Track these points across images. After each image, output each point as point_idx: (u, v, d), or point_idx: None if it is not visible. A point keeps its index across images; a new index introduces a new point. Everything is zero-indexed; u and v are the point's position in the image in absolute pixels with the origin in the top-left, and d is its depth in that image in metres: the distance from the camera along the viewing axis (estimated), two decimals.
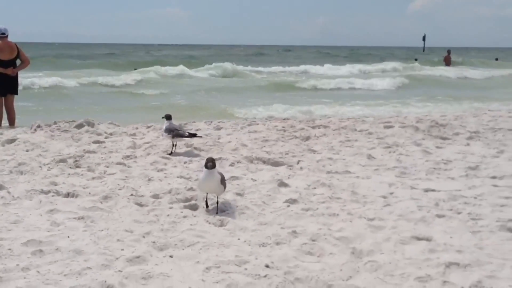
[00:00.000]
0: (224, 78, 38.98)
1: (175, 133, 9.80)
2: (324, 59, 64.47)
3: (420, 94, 25.92)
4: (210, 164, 6.43)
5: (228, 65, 43.70)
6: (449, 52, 49.35)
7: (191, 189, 7.54)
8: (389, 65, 49.27)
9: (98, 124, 12.83)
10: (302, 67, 47.30)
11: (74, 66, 42.07)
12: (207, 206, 6.88)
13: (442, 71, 42.40)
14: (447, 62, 48.03)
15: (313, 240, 5.85)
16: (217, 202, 6.84)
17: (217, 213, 6.70)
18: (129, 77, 32.36)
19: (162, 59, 55.14)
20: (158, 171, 8.78)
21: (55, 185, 7.79)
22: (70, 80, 29.63)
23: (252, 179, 8.35)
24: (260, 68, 46.41)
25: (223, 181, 6.68)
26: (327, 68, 46.53)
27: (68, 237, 5.85)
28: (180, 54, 73.13)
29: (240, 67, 44.62)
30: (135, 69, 39.82)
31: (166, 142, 10.62)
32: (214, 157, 9.46)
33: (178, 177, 8.34)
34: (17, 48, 13.58)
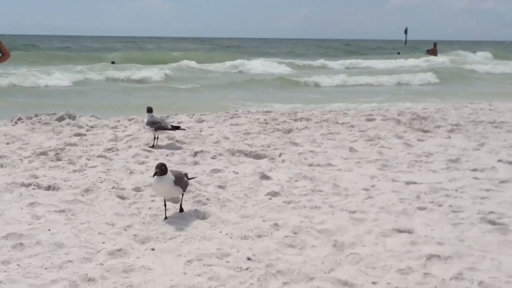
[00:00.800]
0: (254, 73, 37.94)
1: (157, 125, 9.76)
2: (336, 52, 64.31)
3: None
4: (158, 171, 6.02)
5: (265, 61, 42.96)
6: (435, 44, 49.28)
7: None
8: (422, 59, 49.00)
9: (80, 116, 12.75)
10: (343, 62, 46.40)
11: (79, 61, 40.87)
12: (165, 217, 6.33)
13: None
14: (433, 54, 47.90)
15: (295, 233, 5.85)
16: (180, 204, 6.55)
17: (181, 211, 6.49)
18: (157, 72, 31.48)
19: (165, 53, 53.99)
20: (139, 164, 8.75)
21: (36, 178, 7.74)
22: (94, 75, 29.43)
23: (234, 171, 8.35)
24: (294, 61, 45.25)
25: (179, 181, 6.24)
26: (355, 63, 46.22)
27: (49, 230, 5.82)
28: (176, 47, 70.76)
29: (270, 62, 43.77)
30: (113, 63, 39.50)
31: (147, 134, 10.57)
32: (196, 150, 9.46)
33: None
34: None
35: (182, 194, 6.55)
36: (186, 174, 6.74)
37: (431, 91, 26.90)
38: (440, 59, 49.28)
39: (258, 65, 39.88)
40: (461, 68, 41.29)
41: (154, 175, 6.08)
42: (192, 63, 39.84)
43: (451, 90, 26.27)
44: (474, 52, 63.52)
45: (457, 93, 24.73)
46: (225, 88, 25.89)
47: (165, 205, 6.37)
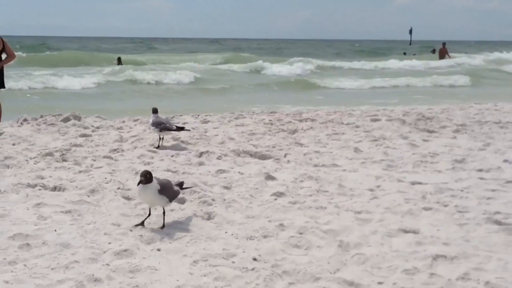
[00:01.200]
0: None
1: (162, 126, 9.76)
2: (348, 53, 64.06)
3: None
4: (143, 179, 5.76)
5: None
6: (444, 44, 48.90)
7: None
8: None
9: (85, 117, 12.77)
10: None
11: (92, 62, 40.17)
12: (142, 223, 6.08)
13: None
14: (442, 55, 47.41)
15: (300, 233, 5.86)
16: (163, 214, 6.13)
17: (162, 227, 6.03)
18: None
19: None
20: (145, 164, 8.75)
21: (42, 178, 7.75)
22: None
23: (239, 172, 8.35)
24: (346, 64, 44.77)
25: (165, 191, 5.96)
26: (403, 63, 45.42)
27: (55, 230, 5.83)
28: (190, 48, 68.83)
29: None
30: (119, 61, 39.33)
31: (153, 135, 10.58)
32: (201, 150, 9.46)
33: (165, 170, 8.31)
34: (3, 41, 13.41)
35: (164, 210, 6.14)
36: (181, 183, 6.52)
37: (466, 93, 26.14)
38: (476, 60, 48.76)
39: (281, 67, 39.56)
40: (499, 69, 40.50)
41: (138, 183, 5.84)
42: (216, 65, 39.88)
43: (487, 92, 25.37)
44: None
45: (494, 94, 23.60)
46: (251, 90, 25.83)
47: (149, 214, 6.15)
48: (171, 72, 31.03)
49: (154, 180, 5.89)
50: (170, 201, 6.11)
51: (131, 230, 5.89)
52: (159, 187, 5.88)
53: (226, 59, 46.31)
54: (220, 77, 32.52)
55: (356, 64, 44.49)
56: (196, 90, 25.51)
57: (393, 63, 45.71)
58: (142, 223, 6.07)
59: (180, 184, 6.48)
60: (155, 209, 6.25)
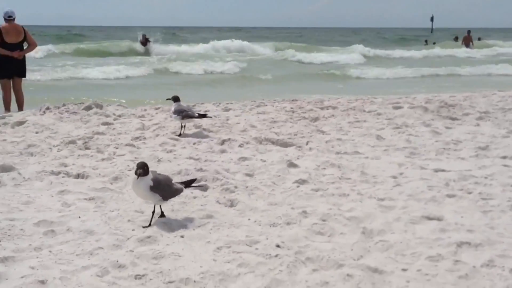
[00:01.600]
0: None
1: (184, 114, 9.77)
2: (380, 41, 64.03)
3: None
4: (141, 171, 5.43)
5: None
6: (469, 32, 48.53)
7: (200, 169, 7.53)
8: None
9: (107, 106, 12.84)
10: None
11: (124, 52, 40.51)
12: (162, 215, 5.92)
13: None
14: (467, 43, 47.02)
15: (323, 220, 5.84)
16: (152, 213, 5.82)
17: (148, 225, 5.71)
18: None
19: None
20: (167, 152, 8.78)
21: (65, 166, 7.81)
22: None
23: (261, 159, 8.35)
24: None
25: (158, 188, 5.61)
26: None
27: (79, 217, 5.88)
28: (220, 37, 68.01)
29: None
30: (144, 36, 39.54)
31: (174, 123, 10.59)
32: (223, 138, 9.47)
33: (187, 158, 8.34)
34: (24, 31, 13.53)
35: (154, 209, 5.83)
36: (190, 181, 6.19)
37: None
38: None
39: (325, 55, 39.29)
40: None
41: (138, 176, 5.47)
42: (263, 56, 40.13)
43: None
44: None
45: None
46: (302, 80, 25.78)
47: (153, 212, 5.82)
48: (215, 63, 31.10)
49: (149, 175, 5.58)
50: (165, 199, 5.77)
51: (154, 217, 5.90)
52: (151, 184, 5.55)
53: (277, 48, 46.52)
54: (257, 66, 32.24)
55: (404, 53, 43.97)
56: (236, 80, 25.33)
57: (437, 52, 45.00)
58: (162, 215, 5.91)
59: (189, 182, 6.13)
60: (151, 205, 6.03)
